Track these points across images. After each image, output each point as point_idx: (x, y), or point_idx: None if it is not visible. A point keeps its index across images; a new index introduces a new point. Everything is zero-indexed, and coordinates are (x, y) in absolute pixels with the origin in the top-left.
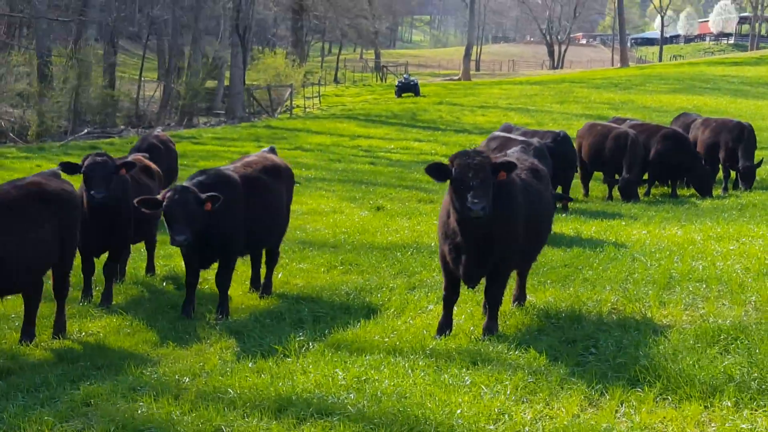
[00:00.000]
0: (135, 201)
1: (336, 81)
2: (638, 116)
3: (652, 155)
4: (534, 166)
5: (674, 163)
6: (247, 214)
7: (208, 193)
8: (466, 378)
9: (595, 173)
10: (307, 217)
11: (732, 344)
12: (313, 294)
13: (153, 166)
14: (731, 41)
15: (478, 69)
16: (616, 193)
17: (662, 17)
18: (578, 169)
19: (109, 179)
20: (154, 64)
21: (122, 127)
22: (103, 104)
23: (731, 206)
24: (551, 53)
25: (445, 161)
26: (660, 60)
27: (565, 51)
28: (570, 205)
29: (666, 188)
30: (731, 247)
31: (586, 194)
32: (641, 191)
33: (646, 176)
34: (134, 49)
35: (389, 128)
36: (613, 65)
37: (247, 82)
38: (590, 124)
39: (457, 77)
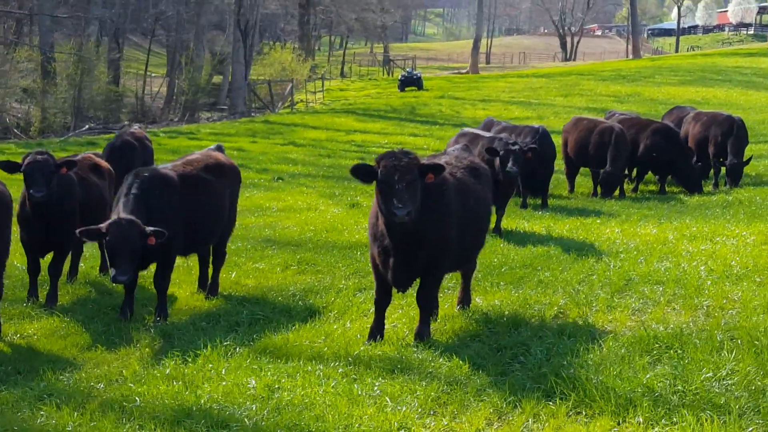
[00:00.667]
0: (77, 231)
1: (342, 75)
2: (644, 109)
3: (641, 150)
4: (473, 165)
5: (663, 158)
6: (186, 214)
7: (153, 229)
8: (377, 388)
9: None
10: (280, 215)
11: (665, 354)
12: (259, 295)
13: (103, 164)
14: (750, 32)
15: (488, 62)
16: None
17: (679, 7)
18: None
19: (49, 178)
20: (164, 59)
21: (126, 122)
22: (106, 100)
23: (717, 203)
24: (563, 45)
25: None
26: (677, 51)
27: (578, 43)
28: (552, 201)
29: (654, 185)
30: (703, 248)
31: (571, 190)
32: (629, 188)
33: (635, 173)
34: (145, 45)
35: (387, 123)
36: (627, 57)
37: (253, 77)
38: (576, 119)
39: (465, 70)
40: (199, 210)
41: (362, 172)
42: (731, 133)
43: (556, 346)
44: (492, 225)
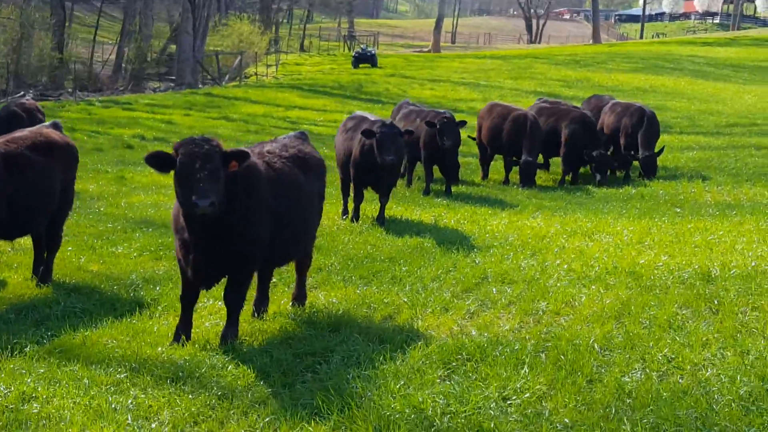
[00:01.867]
0: None
1: (302, 49)
2: (589, 94)
3: (563, 139)
4: (300, 154)
5: (580, 147)
6: (9, 195)
7: None
8: (135, 401)
9: None
10: (173, 193)
11: (462, 367)
12: (95, 283)
13: None
14: (716, 20)
15: (453, 41)
16: (514, 177)
17: None
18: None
19: None
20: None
21: (70, 90)
22: (48, 67)
23: (619, 196)
24: (529, 28)
25: None
26: (641, 37)
27: (543, 25)
28: (461, 188)
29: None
30: (577, 244)
31: (484, 177)
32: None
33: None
34: (107, 11)
35: (330, 99)
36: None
37: (210, 48)
38: (491, 105)
39: (427, 49)
40: (22, 190)
41: (158, 161)
42: (641, 125)
43: (358, 354)
44: (376, 213)
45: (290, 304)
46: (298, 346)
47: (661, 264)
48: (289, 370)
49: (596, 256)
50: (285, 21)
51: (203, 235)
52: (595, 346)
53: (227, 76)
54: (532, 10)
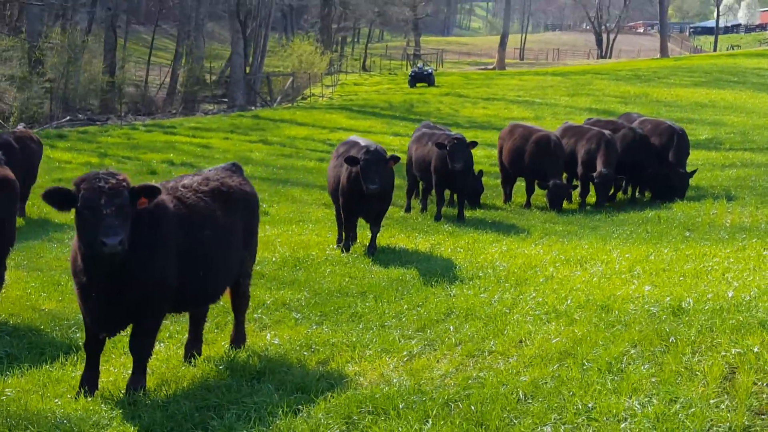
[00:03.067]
0: None
1: (364, 69)
2: (646, 111)
3: (580, 160)
4: (222, 188)
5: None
6: None
7: None
8: None
9: None
10: None
11: (362, 422)
12: (39, 324)
13: None
14: None
15: (522, 58)
16: (538, 200)
17: (717, 6)
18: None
19: None
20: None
21: (123, 113)
22: (97, 91)
23: (637, 220)
24: (599, 42)
25: None
26: (715, 50)
27: (614, 40)
28: (473, 213)
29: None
30: (565, 274)
31: (506, 200)
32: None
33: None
34: (166, 32)
35: (377, 121)
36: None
37: (270, 69)
38: (513, 126)
39: (491, 66)
40: None
41: (58, 198)
42: (671, 143)
43: (258, 408)
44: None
45: (228, 346)
46: (203, 398)
47: (639, 296)
48: (176, 427)
49: (577, 287)
50: (353, 40)
51: (102, 279)
52: (519, 394)
53: (279, 98)
54: (603, 25)
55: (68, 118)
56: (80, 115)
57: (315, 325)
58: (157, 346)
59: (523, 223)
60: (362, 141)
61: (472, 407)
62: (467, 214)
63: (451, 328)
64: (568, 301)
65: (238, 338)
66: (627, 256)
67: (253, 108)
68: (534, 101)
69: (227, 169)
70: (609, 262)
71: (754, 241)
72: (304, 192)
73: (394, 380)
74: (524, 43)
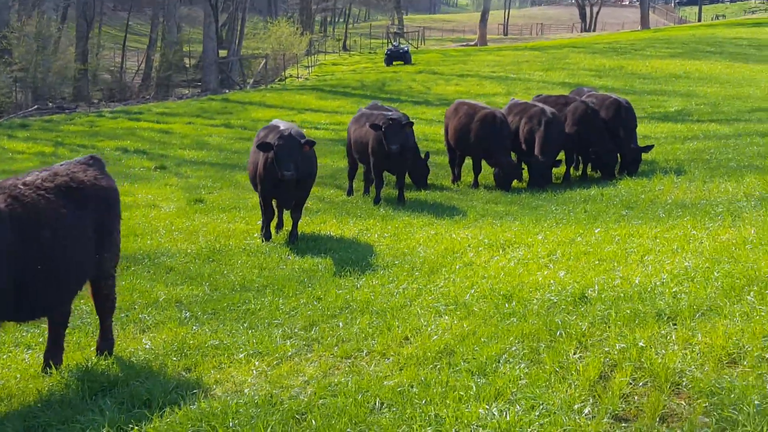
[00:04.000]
0: None
1: (344, 49)
2: (620, 84)
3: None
4: (72, 183)
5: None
6: None
7: None
8: None
9: None
10: None
11: None
12: None
13: None
14: None
15: (505, 33)
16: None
17: None
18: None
19: None
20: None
21: (96, 101)
22: (68, 78)
23: (581, 198)
24: (583, 16)
25: None
26: (699, 20)
27: (598, 13)
28: (418, 194)
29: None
30: (483, 260)
31: (455, 179)
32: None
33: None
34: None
35: (348, 100)
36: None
37: (248, 52)
38: (458, 103)
39: (473, 43)
40: None
41: None
42: (619, 118)
43: (84, 428)
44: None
45: (96, 353)
46: (34, 417)
47: (548, 283)
48: None
49: (489, 274)
50: (335, 20)
51: None
52: (375, 404)
53: (252, 81)
54: None
55: (36, 107)
56: (50, 104)
57: (197, 326)
58: (23, 354)
59: (464, 204)
60: (282, 124)
61: (314, 421)
62: (411, 195)
63: (341, 324)
64: (472, 291)
65: (104, 344)
66: (553, 239)
67: (226, 91)
68: (508, 77)
69: (82, 162)
70: (533, 245)
71: (686, 219)
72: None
73: (247, 390)
74: (508, 19)
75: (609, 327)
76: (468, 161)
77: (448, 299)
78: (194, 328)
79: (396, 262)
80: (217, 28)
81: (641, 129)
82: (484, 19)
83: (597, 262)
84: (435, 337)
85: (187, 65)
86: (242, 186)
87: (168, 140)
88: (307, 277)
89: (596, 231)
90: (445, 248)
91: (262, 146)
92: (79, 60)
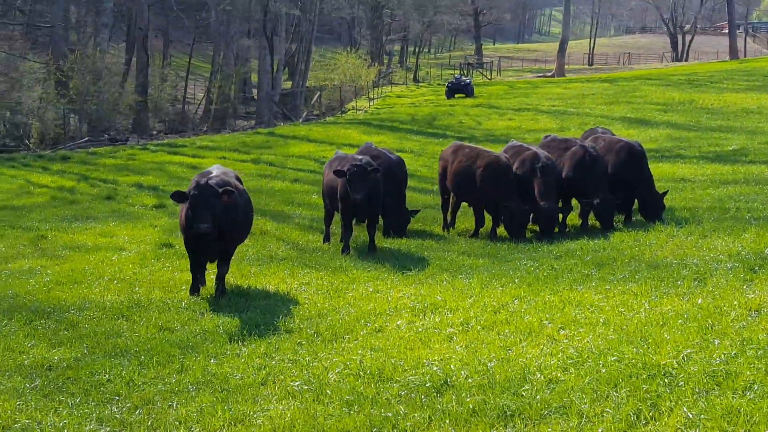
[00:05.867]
0: None
1: (415, 80)
2: (685, 119)
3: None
4: None
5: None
6: None
7: None
8: None
9: None
10: (74, 256)
11: None
12: None
13: None
14: None
15: (590, 63)
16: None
17: None
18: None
19: None
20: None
21: (154, 132)
22: (123, 110)
23: (557, 252)
24: (674, 45)
25: None
26: None
27: (691, 41)
28: (394, 243)
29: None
30: (393, 326)
31: (446, 227)
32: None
33: None
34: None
35: (391, 135)
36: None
37: (314, 83)
38: (456, 146)
39: (550, 74)
40: None
41: None
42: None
43: None
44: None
45: None
46: None
47: (434, 360)
48: None
49: (384, 345)
50: (423, 50)
51: None
52: None
53: (305, 113)
54: (678, 26)
55: (87, 138)
56: (105, 136)
57: (30, 400)
58: None
59: (435, 255)
60: (217, 170)
61: None
62: (388, 243)
63: (175, 404)
64: (342, 367)
65: None
66: (482, 304)
67: (281, 124)
68: (567, 111)
69: None
70: (456, 310)
71: (642, 283)
72: None
73: None
74: (593, 48)
75: (443, 424)
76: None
77: (311, 377)
78: (19, 402)
79: (301, 326)
80: (272, 60)
81: (685, 170)
82: (562, 49)
83: (505, 335)
84: (253, 429)
85: (255, 97)
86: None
87: (189, 176)
88: (200, 340)
89: (546, 295)
90: (368, 310)
91: (176, 196)
92: (139, 91)
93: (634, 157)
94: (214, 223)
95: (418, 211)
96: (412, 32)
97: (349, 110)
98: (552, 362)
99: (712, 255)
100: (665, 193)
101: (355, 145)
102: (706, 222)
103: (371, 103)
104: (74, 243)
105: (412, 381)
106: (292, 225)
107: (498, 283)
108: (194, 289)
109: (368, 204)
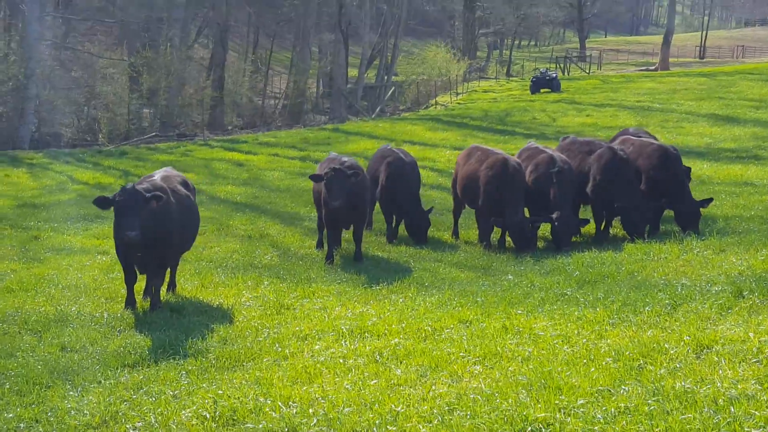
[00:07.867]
0: None
1: (508, 75)
2: None
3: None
4: None
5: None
6: None
7: None
8: None
9: None
10: (46, 257)
11: None
12: None
13: None
14: None
15: (702, 57)
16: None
17: None
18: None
19: None
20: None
21: (229, 128)
22: (195, 106)
23: (560, 266)
24: None
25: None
26: None
27: None
28: (386, 251)
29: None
30: (303, 352)
31: (455, 234)
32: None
33: None
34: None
35: (457, 132)
36: None
37: (401, 78)
38: (472, 148)
39: (653, 67)
40: None
41: None
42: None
43: None
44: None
45: None
46: None
47: (296, 401)
48: None
49: (268, 378)
50: (524, 43)
51: None
52: None
53: (378, 109)
54: None
55: (154, 134)
56: (175, 131)
57: None
58: None
59: (423, 266)
60: (159, 174)
61: None
62: (387, 252)
63: None
64: (190, 410)
65: None
66: (418, 328)
67: (354, 119)
68: (651, 107)
69: None
70: (382, 335)
71: (594, 311)
72: (268, 221)
73: None
74: (705, 41)
75: None
76: None
77: (159, 418)
78: None
79: (208, 349)
80: (347, 54)
81: (755, 173)
82: (666, 42)
83: (406, 370)
84: None
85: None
86: (228, 231)
87: (227, 174)
88: (84, 365)
89: (490, 318)
90: (295, 331)
91: (99, 202)
92: (214, 86)
93: (667, 162)
94: (139, 231)
95: (432, 209)
96: (506, 25)
97: (431, 105)
98: (421, 409)
99: (709, 275)
100: (709, 200)
101: (417, 143)
102: (736, 234)
103: (455, 98)
104: (62, 245)
105: (251, 429)
106: (299, 228)
107: (457, 302)
108: (130, 302)
109: (351, 210)
